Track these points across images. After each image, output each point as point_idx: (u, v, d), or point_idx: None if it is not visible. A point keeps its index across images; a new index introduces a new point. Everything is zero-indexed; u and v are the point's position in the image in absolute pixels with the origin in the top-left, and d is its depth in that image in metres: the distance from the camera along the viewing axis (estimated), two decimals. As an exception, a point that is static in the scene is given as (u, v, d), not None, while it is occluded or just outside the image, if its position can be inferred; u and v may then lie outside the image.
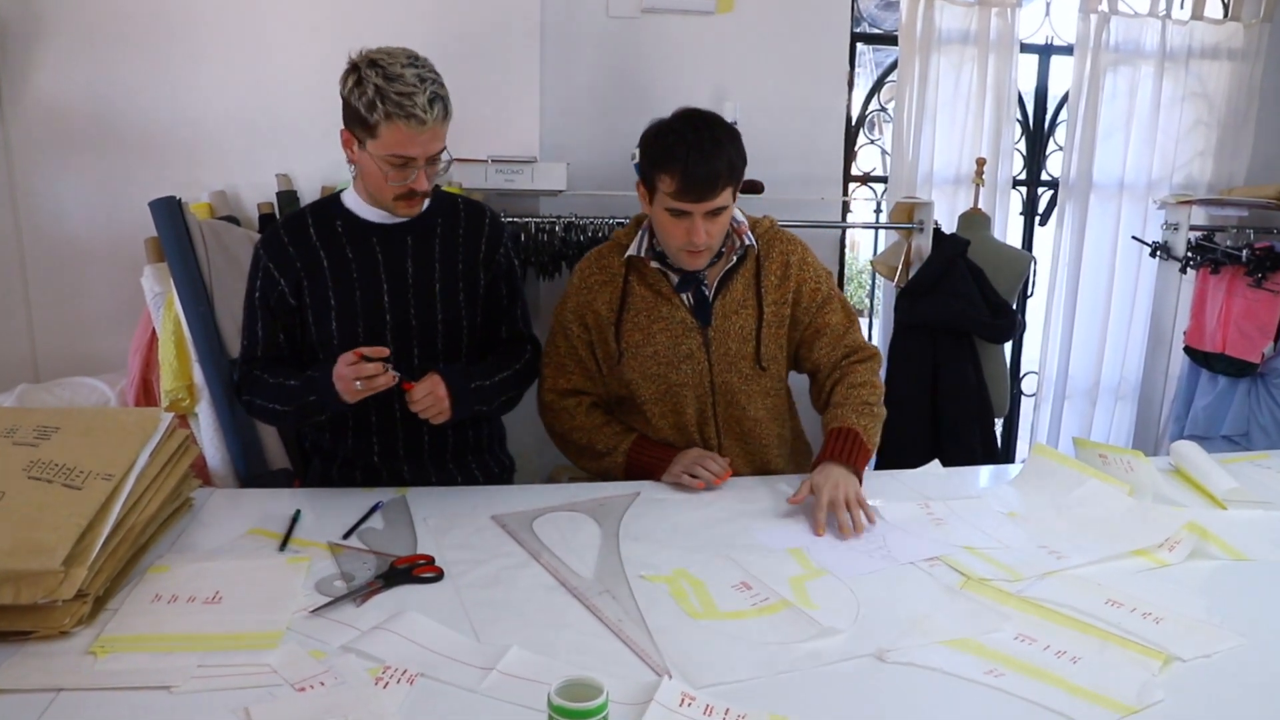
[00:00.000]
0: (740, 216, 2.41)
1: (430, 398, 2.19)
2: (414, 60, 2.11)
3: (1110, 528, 2.14)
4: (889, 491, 2.35)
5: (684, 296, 2.39)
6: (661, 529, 2.13)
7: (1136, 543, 2.04)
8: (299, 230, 2.31)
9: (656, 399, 2.43)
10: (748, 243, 2.38)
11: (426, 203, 2.31)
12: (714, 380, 2.42)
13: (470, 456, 2.49)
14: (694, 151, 2.14)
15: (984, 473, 2.66)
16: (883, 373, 2.56)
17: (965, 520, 2.19)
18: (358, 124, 2.13)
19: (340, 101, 2.16)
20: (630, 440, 2.44)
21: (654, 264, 2.37)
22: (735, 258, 2.39)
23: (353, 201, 2.32)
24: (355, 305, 2.29)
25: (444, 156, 2.20)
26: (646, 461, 2.41)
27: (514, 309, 2.48)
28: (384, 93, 2.06)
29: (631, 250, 2.38)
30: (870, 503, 2.19)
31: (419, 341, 2.33)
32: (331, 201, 2.36)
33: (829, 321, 2.45)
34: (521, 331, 2.50)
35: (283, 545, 1.99)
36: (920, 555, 2.01)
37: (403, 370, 2.18)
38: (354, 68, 2.11)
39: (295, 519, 2.11)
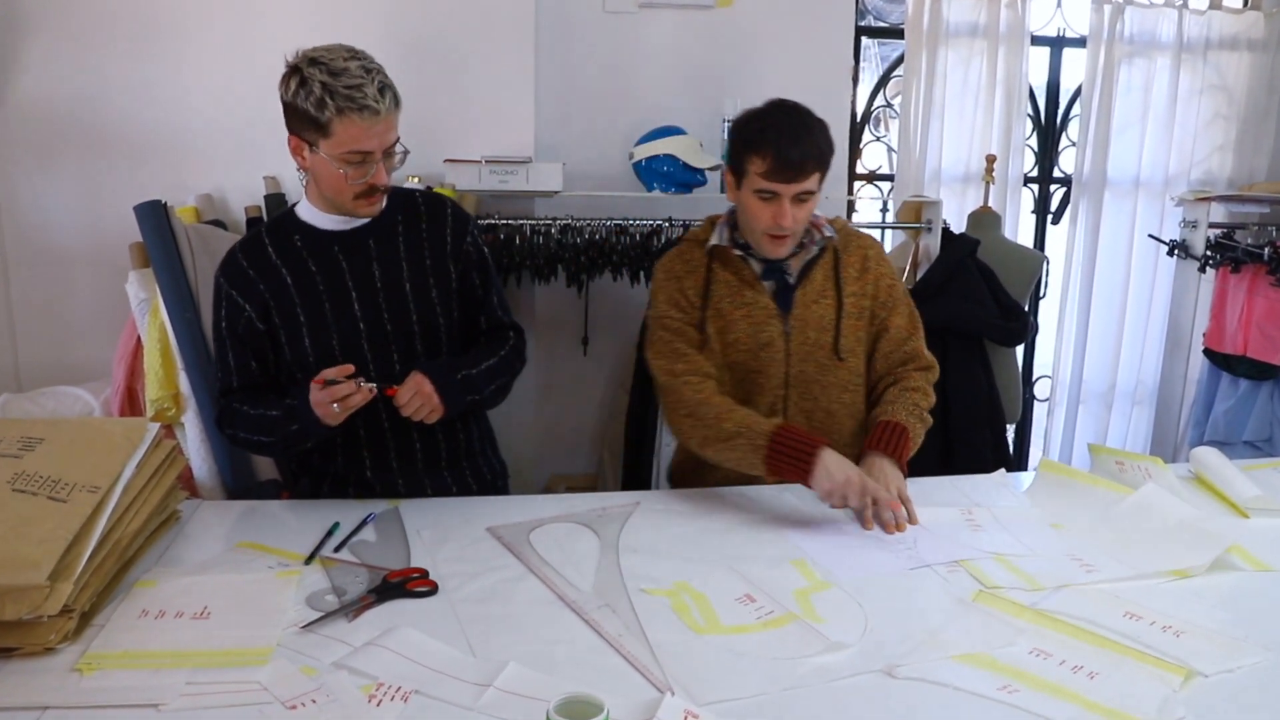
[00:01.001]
0: (815, 211, 2.46)
1: (418, 397, 2.18)
2: (355, 53, 2.11)
3: (1155, 544, 2.11)
4: (938, 497, 2.36)
5: (766, 284, 2.45)
6: (661, 540, 2.13)
7: (1178, 562, 2.01)
8: (257, 251, 2.30)
9: (730, 387, 2.46)
10: (828, 234, 2.46)
11: (384, 199, 2.30)
12: (790, 370, 2.46)
13: (464, 462, 2.49)
14: (785, 133, 2.28)
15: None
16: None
17: (1005, 528, 2.20)
18: (308, 125, 2.11)
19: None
20: (774, 423, 2.30)
21: (737, 252, 2.44)
22: (816, 248, 2.46)
23: (308, 213, 2.31)
24: (326, 319, 2.28)
25: (398, 148, 2.20)
26: (795, 444, 2.25)
27: (490, 297, 2.47)
28: (332, 88, 2.05)
29: (714, 240, 2.46)
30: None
31: (397, 347, 2.33)
32: (286, 217, 2.35)
33: (894, 323, 2.52)
34: (502, 319, 2.49)
35: (310, 558, 2.00)
36: (946, 558, 2.04)
37: (384, 377, 2.20)
38: (294, 69, 2.10)
39: (332, 531, 2.13)
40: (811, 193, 2.31)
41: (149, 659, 1.61)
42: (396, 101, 2.14)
